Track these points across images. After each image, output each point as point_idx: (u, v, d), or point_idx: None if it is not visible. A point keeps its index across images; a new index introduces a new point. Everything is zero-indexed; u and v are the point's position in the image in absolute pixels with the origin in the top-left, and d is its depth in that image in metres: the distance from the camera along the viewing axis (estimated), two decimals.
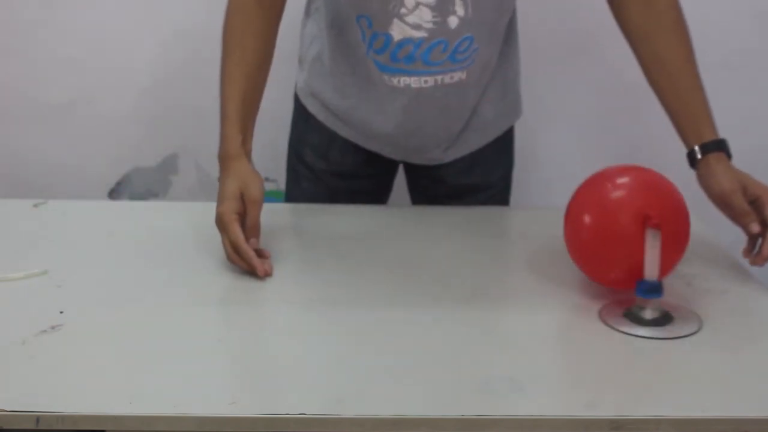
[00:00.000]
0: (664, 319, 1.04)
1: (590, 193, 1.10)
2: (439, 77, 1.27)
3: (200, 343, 0.99)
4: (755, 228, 1.14)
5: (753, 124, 2.03)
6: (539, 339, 1.02)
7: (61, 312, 1.03)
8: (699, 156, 1.20)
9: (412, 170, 1.52)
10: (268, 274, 1.13)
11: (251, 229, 1.16)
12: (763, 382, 0.93)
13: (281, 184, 1.70)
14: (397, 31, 1.22)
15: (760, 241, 1.15)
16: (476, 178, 1.46)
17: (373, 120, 1.36)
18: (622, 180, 1.10)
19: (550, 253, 1.24)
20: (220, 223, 1.15)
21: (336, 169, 1.45)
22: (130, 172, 2.03)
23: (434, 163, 1.43)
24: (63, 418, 0.84)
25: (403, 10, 1.20)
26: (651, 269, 1.02)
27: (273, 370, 0.95)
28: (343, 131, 1.41)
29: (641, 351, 0.99)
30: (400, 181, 1.57)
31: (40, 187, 1.99)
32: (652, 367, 0.96)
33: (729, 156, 1.20)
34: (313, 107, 1.42)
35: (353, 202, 1.44)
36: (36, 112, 1.98)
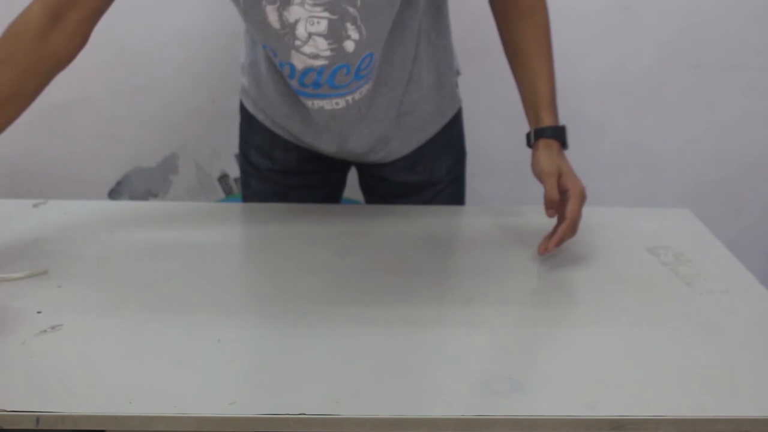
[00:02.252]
0: None
1: None
2: (348, 97, 1.26)
3: (200, 343, 0.99)
4: (550, 214, 1.21)
5: (753, 124, 2.03)
6: (539, 339, 1.02)
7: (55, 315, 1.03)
8: (533, 139, 1.27)
9: (359, 168, 1.52)
10: None
11: None
12: (763, 382, 0.93)
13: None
14: (298, 61, 1.21)
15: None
16: (421, 174, 1.45)
17: (304, 132, 1.37)
18: None
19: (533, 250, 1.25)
20: None
21: (281, 167, 1.46)
22: (130, 172, 2.03)
23: (377, 163, 1.44)
24: (63, 418, 0.84)
25: (297, 42, 1.18)
26: None
27: (273, 370, 0.95)
28: (281, 132, 1.42)
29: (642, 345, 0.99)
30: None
31: (40, 187, 2.00)
32: (652, 366, 0.96)
33: (563, 144, 1.26)
34: (253, 109, 1.44)
35: (305, 197, 1.45)
36: (36, 112, 1.98)
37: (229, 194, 2.06)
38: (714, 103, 2.02)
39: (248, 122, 1.46)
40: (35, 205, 1.38)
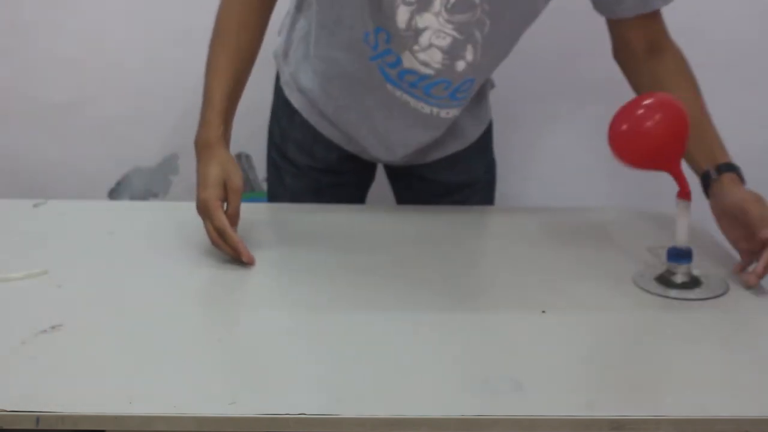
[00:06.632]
0: (693, 283, 1.13)
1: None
2: (435, 110, 1.29)
3: (200, 343, 0.99)
4: (765, 234, 1.10)
5: (753, 124, 2.03)
6: (539, 339, 1.02)
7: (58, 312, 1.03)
8: (714, 176, 1.20)
9: (395, 168, 1.52)
10: (252, 262, 1.15)
11: (232, 218, 1.17)
12: (763, 382, 0.93)
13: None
14: (407, 60, 1.23)
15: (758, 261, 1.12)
16: (460, 175, 1.47)
17: (357, 125, 1.36)
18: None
19: (543, 252, 1.25)
20: (204, 209, 1.16)
21: (320, 165, 1.45)
22: (130, 172, 2.03)
23: (410, 164, 1.45)
24: (63, 418, 0.84)
25: (416, 47, 1.21)
26: (681, 237, 1.11)
27: (273, 370, 0.95)
28: (327, 131, 1.41)
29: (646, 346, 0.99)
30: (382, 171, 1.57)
31: (40, 187, 1.99)
32: (652, 366, 0.96)
33: (742, 181, 1.21)
34: (298, 103, 1.42)
35: (336, 195, 1.45)
36: (36, 112, 1.98)
37: None
38: (714, 103, 2.01)
39: (289, 116, 1.44)
40: (35, 205, 1.38)
